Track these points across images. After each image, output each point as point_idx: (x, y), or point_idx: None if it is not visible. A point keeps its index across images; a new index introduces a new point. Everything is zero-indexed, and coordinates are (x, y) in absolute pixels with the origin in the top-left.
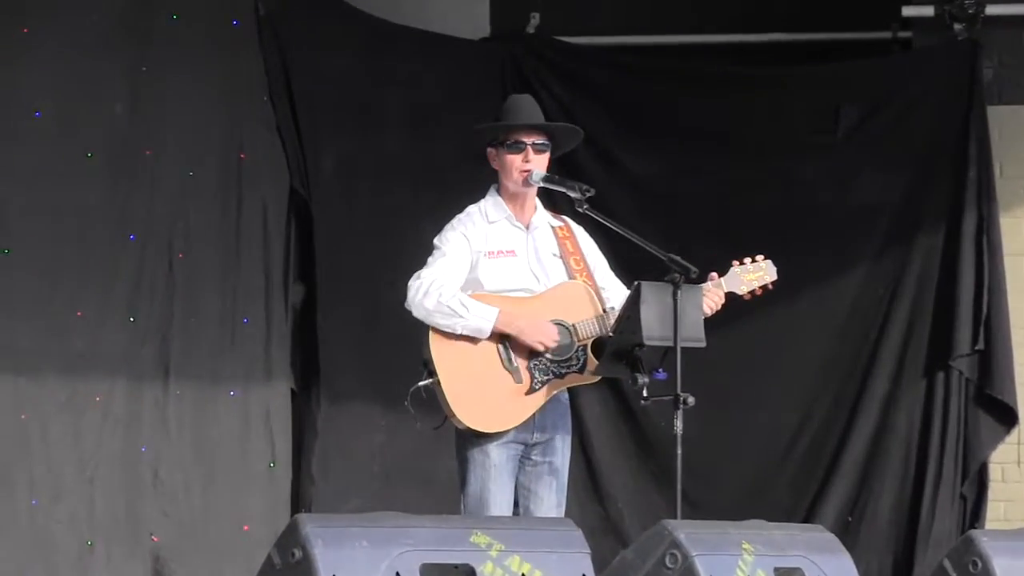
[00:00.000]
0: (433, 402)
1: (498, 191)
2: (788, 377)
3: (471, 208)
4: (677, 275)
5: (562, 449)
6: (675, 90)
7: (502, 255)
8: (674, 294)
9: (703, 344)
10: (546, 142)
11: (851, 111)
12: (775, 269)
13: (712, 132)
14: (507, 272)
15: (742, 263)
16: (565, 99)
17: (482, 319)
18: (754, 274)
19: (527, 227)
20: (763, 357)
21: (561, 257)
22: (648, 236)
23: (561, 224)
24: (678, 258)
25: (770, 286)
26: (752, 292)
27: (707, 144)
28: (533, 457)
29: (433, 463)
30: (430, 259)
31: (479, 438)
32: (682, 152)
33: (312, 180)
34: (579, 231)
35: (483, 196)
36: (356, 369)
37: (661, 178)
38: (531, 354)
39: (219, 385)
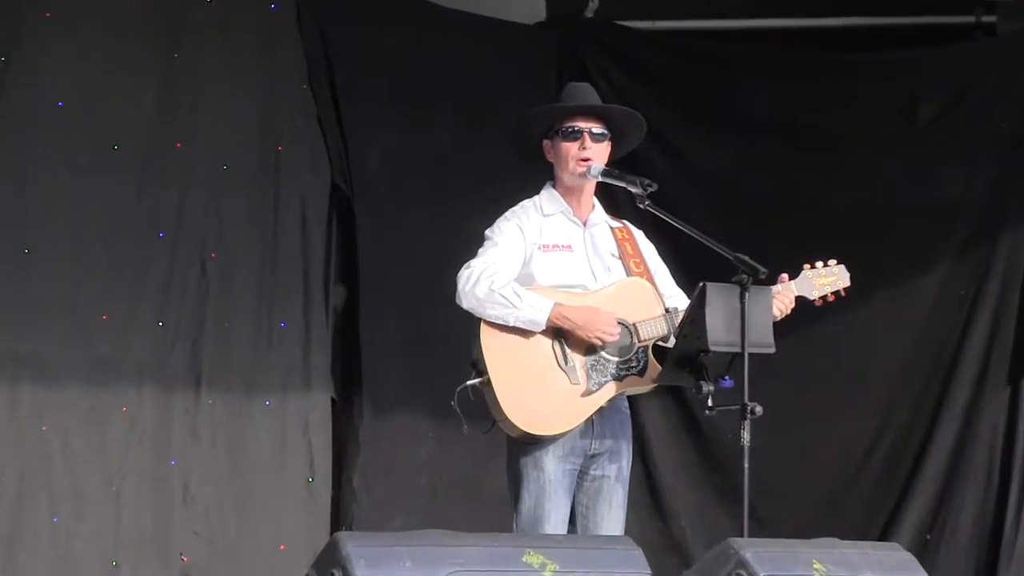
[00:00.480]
0: (481, 405)
1: (554, 187)
2: (863, 385)
3: (525, 202)
4: (745, 276)
5: (624, 461)
6: (742, 78)
7: (557, 249)
8: (741, 296)
9: (772, 350)
10: (605, 131)
11: (931, 101)
12: (848, 275)
13: (782, 123)
14: (563, 266)
15: (814, 266)
16: (625, 87)
17: (536, 310)
18: (826, 279)
19: (584, 224)
20: (836, 364)
21: (620, 258)
22: (713, 234)
23: (620, 226)
24: (746, 257)
25: (843, 293)
26: (824, 298)
27: (777, 136)
28: (592, 471)
29: (484, 477)
30: (481, 250)
31: (533, 450)
32: (750, 145)
33: (355, 174)
34: (639, 235)
35: (538, 192)
36: (401, 377)
37: (728, 172)
38: (588, 351)
39: (254, 394)
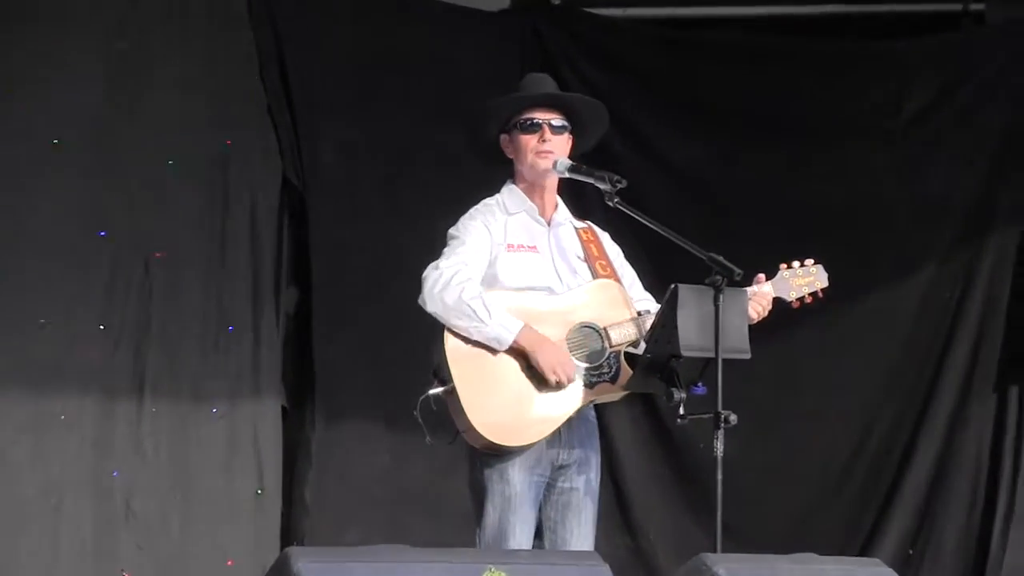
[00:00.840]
0: (443, 414)
1: (515, 184)
2: (843, 393)
3: (488, 200)
4: (719, 277)
5: (593, 473)
6: (717, 69)
7: (523, 249)
8: (716, 299)
9: (748, 355)
10: (565, 123)
11: (917, 94)
12: (827, 275)
13: (760, 117)
14: (528, 268)
15: (790, 266)
16: (595, 79)
17: (505, 330)
18: (804, 279)
19: (549, 223)
20: (815, 370)
21: (586, 260)
22: (688, 233)
23: (585, 226)
24: (720, 258)
25: (820, 294)
26: (801, 299)
27: (754, 130)
28: (560, 484)
29: (445, 489)
30: (447, 250)
31: (498, 461)
32: (726, 139)
33: (308, 170)
34: (605, 236)
35: (499, 190)
36: (356, 383)
37: (703, 168)
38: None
39: (201, 402)
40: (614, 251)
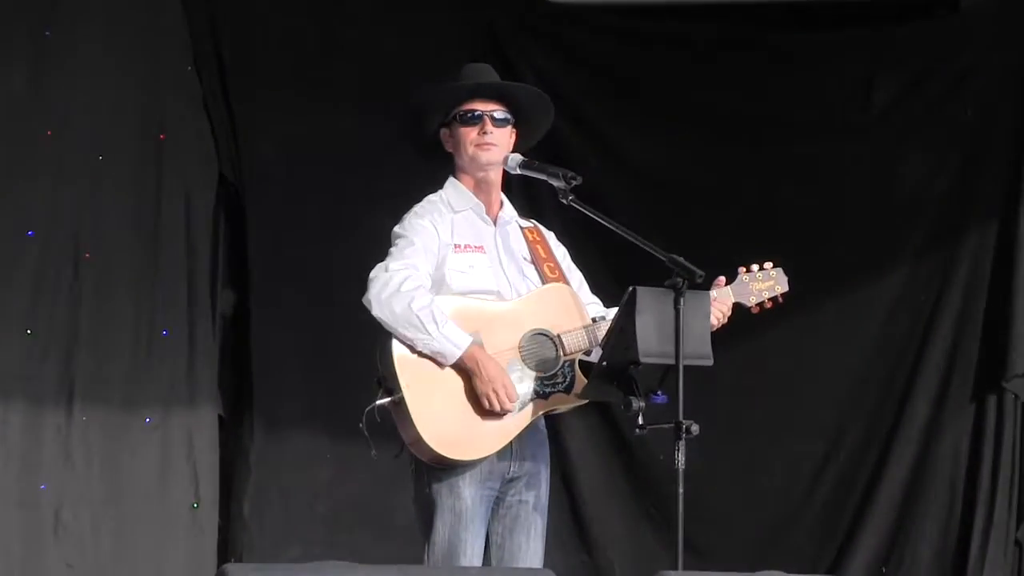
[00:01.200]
0: (389, 425)
1: (458, 180)
2: (811, 401)
3: (432, 197)
4: (680, 280)
5: (543, 487)
6: (683, 61)
7: (470, 250)
8: (676, 302)
9: (710, 362)
10: (508, 115)
11: (888, 84)
12: (786, 279)
13: (723, 111)
14: (476, 270)
15: (749, 270)
16: (550, 71)
17: (452, 345)
18: (764, 283)
19: (495, 222)
20: (781, 377)
21: (533, 262)
22: (646, 233)
23: (531, 226)
24: (681, 259)
25: (780, 299)
26: (761, 304)
27: (716, 125)
28: (509, 498)
29: (390, 503)
30: (395, 250)
31: (447, 475)
32: (687, 134)
33: (246, 166)
34: (551, 236)
35: (443, 187)
36: (297, 391)
37: (663, 165)
38: (509, 366)
39: (133, 411)
40: (560, 252)
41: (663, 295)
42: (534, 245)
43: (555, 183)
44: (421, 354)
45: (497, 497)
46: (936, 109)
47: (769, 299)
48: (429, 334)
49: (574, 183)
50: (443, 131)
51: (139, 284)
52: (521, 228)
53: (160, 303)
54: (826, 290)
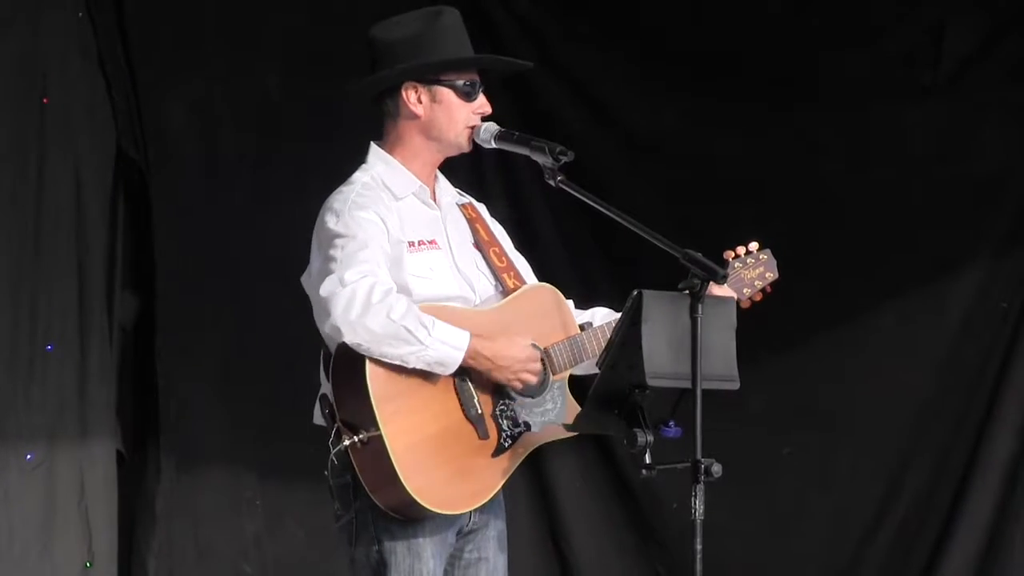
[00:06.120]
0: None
1: (388, 152)
2: (864, 435)
3: (362, 177)
4: (698, 281)
5: (503, 537)
6: (699, 9)
7: (424, 247)
8: (693, 309)
9: (736, 385)
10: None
11: (960, 38)
12: (776, 263)
13: (751, 69)
14: (438, 272)
15: (737, 255)
16: (530, 18)
17: (450, 347)
18: (754, 270)
19: (439, 206)
20: (824, 406)
21: (478, 247)
22: (656, 223)
23: (467, 202)
24: (699, 255)
25: (769, 289)
26: (751, 298)
27: (745, 89)
28: (466, 555)
29: (332, 559)
30: (342, 255)
31: (404, 529)
32: (709, 99)
33: (150, 137)
34: (484, 211)
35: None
36: (215, 421)
37: (675, 138)
38: (497, 392)
39: (9, 445)
40: (499, 231)
41: (676, 301)
42: (474, 225)
43: (540, 160)
44: (406, 372)
45: (452, 553)
46: (1020, 68)
47: (760, 290)
48: (422, 343)
49: (564, 160)
50: (409, 92)
51: (17, 285)
52: (459, 207)
53: (43, 309)
54: (883, 294)
